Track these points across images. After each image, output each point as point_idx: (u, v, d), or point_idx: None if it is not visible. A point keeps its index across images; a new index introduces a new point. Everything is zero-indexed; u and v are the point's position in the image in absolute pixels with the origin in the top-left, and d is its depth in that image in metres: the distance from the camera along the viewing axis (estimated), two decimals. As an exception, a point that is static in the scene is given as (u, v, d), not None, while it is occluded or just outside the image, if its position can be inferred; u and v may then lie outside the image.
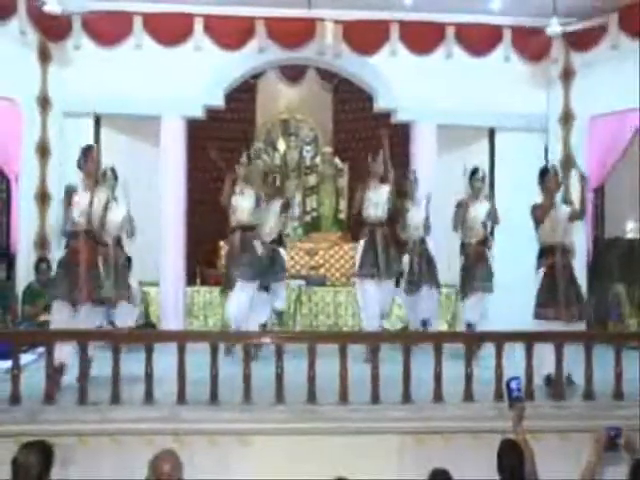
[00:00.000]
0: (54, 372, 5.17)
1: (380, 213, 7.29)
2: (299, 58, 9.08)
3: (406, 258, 7.66)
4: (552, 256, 5.96)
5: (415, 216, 7.65)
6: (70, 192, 5.78)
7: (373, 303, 7.20)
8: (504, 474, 3.78)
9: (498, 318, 7.12)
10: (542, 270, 5.97)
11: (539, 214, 6.04)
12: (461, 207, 7.36)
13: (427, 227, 7.64)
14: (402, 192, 7.66)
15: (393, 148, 7.63)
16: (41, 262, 7.85)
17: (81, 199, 5.71)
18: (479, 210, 7.37)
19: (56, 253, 8.03)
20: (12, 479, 3.46)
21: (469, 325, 7.40)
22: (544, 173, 6.17)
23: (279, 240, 7.85)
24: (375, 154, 7.37)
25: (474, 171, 7.45)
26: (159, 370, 5.15)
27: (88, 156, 5.78)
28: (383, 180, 7.34)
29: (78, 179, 5.83)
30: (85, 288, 5.59)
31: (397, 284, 7.57)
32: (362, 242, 7.34)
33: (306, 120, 11.24)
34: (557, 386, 5.39)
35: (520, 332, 5.73)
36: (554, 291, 5.88)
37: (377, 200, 7.26)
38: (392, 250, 7.34)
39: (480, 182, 7.44)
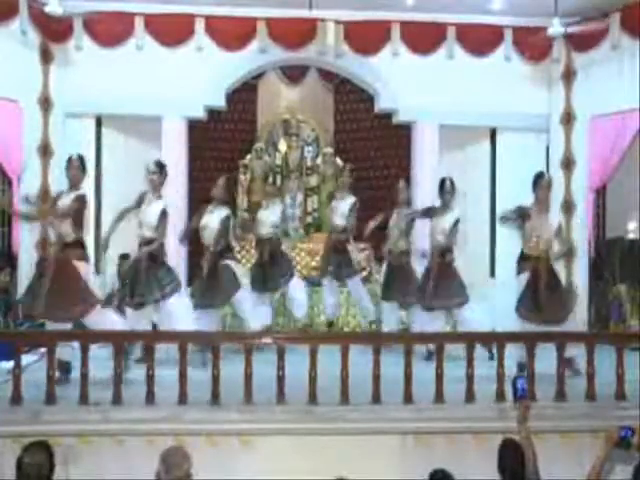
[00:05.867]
0: (61, 370, 5.35)
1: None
2: (300, 58, 9.08)
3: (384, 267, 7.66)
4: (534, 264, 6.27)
5: (395, 226, 7.55)
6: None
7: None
8: (505, 474, 3.78)
9: (499, 319, 7.12)
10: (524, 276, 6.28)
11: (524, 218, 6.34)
12: (428, 214, 7.17)
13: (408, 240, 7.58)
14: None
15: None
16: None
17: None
18: (446, 221, 7.03)
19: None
20: (17, 479, 3.46)
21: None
22: (538, 178, 6.34)
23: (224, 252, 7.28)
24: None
25: (442, 182, 7.07)
26: (160, 370, 5.15)
27: (163, 171, 6.78)
28: None
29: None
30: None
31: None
32: None
33: (307, 120, 11.22)
34: (559, 386, 5.38)
35: (521, 333, 5.73)
36: (536, 297, 6.14)
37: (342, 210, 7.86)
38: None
39: (448, 194, 7.02)
